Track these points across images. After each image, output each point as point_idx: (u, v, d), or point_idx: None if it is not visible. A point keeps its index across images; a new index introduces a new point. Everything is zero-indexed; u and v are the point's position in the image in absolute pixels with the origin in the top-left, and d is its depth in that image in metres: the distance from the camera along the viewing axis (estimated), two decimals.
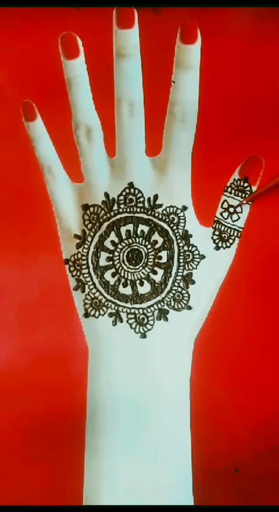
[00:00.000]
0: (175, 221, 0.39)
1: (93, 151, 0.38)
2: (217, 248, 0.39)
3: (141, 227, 0.39)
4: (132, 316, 0.38)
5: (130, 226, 0.39)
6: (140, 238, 0.39)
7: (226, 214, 0.39)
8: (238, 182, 0.39)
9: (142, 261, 0.39)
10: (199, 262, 0.39)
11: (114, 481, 0.37)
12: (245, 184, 0.39)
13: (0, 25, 0.39)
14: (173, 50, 0.36)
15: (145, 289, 0.39)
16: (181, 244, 0.39)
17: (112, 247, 0.39)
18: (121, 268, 0.39)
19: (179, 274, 0.39)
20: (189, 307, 0.38)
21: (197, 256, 0.39)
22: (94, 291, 0.39)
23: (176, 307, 0.38)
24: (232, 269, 0.39)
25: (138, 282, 0.39)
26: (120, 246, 0.39)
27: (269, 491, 0.38)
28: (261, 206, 0.39)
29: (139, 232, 0.39)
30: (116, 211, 0.39)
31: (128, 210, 0.39)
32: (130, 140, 0.38)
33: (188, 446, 0.37)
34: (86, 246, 0.39)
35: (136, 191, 0.39)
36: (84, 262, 0.39)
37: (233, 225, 0.39)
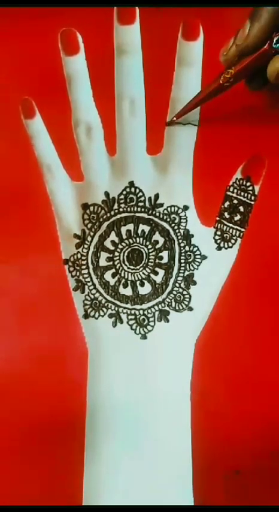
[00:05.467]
0: (176, 221, 0.38)
1: (93, 149, 0.38)
2: (219, 248, 0.38)
3: (142, 227, 0.38)
4: (132, 317, 0.38)
5: (130, 226, 0.38)
6: (141, 238, 0.38)
7: (227, 214, 0.38)
8: (240, 181, 0.38)
9: (143, 261, 0.38)
10: (200, 263, 0.38)
11: (114, 485, 0.37)
12: (248, 184, 0.38)
13: (0, 22, 0.39)
14: (176, 47, 0.36)
15: (145, 289, 0.38)
16: (182, 245, 0.38)
17: (112, 247, 0.38)
18: (121, 268, 0.38)
19: (180, 274, 0.38)
20: (190, 308, 0.38)
21: (198, 256, 0.38)
22: (94, 291, 0.38)
23: (177, 308, 0.38)
24: (233, 270, 0.38)
25: (138, 282, 0.38)
26: (120, 246, 0.38)
27: (270, 493, 0.38)
28: (264, 206, 0.38)
29: (139, 232, 0.38)
30: (116, 211, 0.38)
31: (128, 209, 0.38)
32: (131, 138, 0.38)
33: (189, 448, 0.37)
34: (86, 246, 0.38)
35: (137, 190, 0.38)
36: (83, 262, 0.38)
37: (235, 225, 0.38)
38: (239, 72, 0.33)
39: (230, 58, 0.33)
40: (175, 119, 0.37)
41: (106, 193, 0.38)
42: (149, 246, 0.38)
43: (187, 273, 0.38)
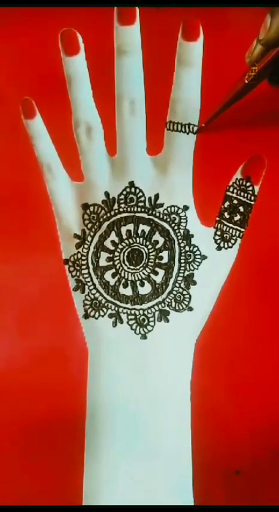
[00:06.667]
0: (176, 221, 0.38)
1: (93, 149, 0.38)
2: (219, 248, 0.38)
3: (142, 227, 0.38)
4: (132, 317, 0.38)
5: (130, 226, 0.38)
6: (141, 238, 0.38)
7: (227, 214, 0.38)
8: (240, 181, 0.38)
9: (143, 261, 0.38)
10: (200, 263, 0.38)
11: (114, 485, 0.36)
12: (248, 184, 0.38)
13: (0, 22, 0.39)
14: (176, 47, 0.36)
15: (145, 289, 0.38)
16: (182, 245, 0.38)
17: (112, 247, 0.38)
18: (121, 268, 0.38)
19: (180, 274, 0.38)
20: (190, 309, 0.38)
21: (198, 256, 0.38)
22: (94, 291, 0.38)
23: (177, 308, 0.38)
24: (233, 270, 0.38)
25: (138, 282, 0.38)
26: (120, 246, 0.38)
27: (270, 493, 0.38)
28: (264, 206, 0.38)
29: (139, 232, 0.38)
30: (116, 211, 0.38)
31: (128, 209, 0.38)
32: (131, 138, 0.38)
33: (189, 448, 0.37)
34: (86, 246, 0.38)
35: (137, 190, 0.38)
36: (83, 262, 0.38)
37: (235, 225, 0.38)
38: (263, 69, 0.33)
39: (255, 57, 0.33)
40: (203, 125, 0.37)
41: (106, 193, 0.38)
42: (149, 246, 0.38)
43: (187, 273, 0.38)
